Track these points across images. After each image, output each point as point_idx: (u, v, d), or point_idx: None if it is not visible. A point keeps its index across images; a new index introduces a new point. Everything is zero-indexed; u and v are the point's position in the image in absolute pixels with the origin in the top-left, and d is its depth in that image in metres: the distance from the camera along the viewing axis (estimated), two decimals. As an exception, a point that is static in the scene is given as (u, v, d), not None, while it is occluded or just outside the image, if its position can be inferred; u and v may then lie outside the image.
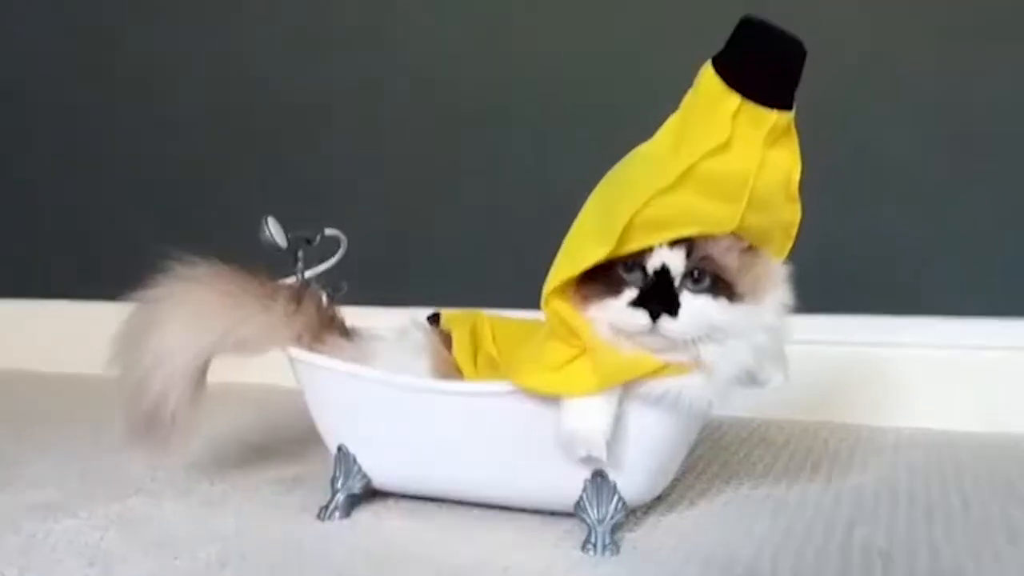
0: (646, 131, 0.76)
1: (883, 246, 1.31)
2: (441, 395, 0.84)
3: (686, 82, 0.73)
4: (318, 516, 0.88)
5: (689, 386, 0.75)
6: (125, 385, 0.88)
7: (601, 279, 0.74)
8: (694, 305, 0.72)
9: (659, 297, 0.72)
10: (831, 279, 1.24)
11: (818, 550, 0.77)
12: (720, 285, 0.73)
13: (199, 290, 0.89)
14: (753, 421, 1.25)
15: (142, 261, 0.86)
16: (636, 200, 0.70)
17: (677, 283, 0.73)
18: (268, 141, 1.68)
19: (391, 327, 0.97)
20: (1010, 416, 1.20)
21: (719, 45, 0.71)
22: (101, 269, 1.71)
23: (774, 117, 0.69)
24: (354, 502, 0.90)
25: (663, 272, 0.72)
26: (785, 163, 0.72)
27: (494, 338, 0.92)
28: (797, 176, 0.73)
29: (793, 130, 0.73)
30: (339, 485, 0.89)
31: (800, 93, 0.71)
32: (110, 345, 0.90)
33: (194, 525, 0.85)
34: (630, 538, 0.81)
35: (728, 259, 0.73)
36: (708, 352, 0.73)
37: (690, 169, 0.69)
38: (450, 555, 0.77)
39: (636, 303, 0.72)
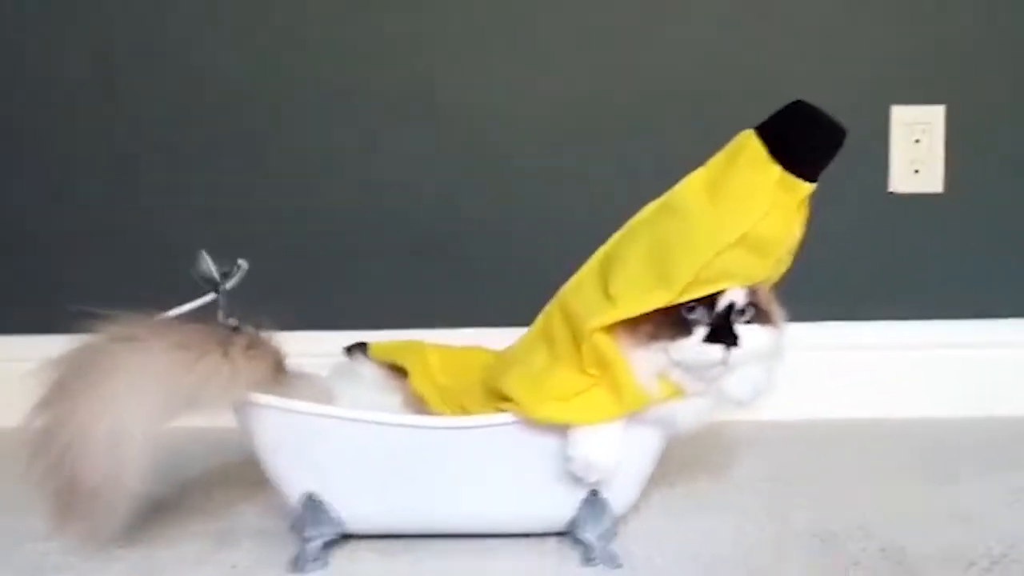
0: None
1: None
2: (442, 431, 0.83)
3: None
4: (293, 569, 0.84)
5: (682, 409, 0.82)
6: (63, 465, 0.77)
7: (660, 321, 0.78)
8: (750, 334, 0.79)
9: (726, 332, 0.78)
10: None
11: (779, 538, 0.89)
12: (761, 316, 0.81)
13: (153, 352, 0.80)
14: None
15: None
16: (699, 258, 0.76)
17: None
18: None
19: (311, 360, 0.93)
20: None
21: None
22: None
23: (807, 188, 0.78)
24: (325, 549, 0.86)
25: (729, 309, 0.79)
26: (800, 226, 0.81)
27: (443, 369, 0.93)
28: (799, 237, 0.82)
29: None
30: (310, 534, 0.85)
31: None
32: (38, 411, 0.78)
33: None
34: (620, 547, 0.86)
35: (763, 294, 0.82)
36: (728, 379, 0.81)
37: (746, 234, 0.76)
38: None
39: (710, 339, 0.78)
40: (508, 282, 1.43)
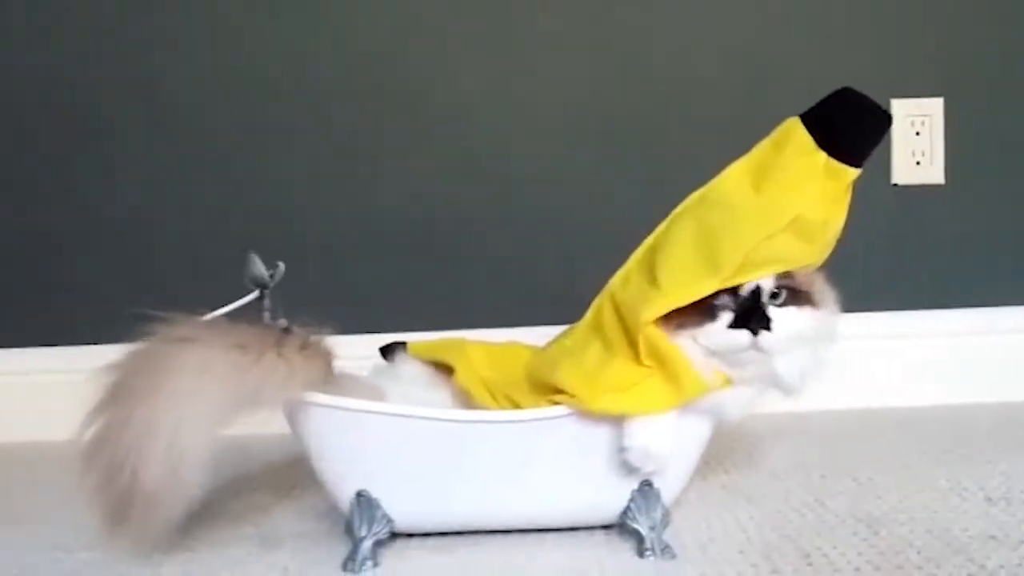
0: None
1: None
2: (497, 425, 0.83)
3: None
4: (346, 569, 0.83)
5: (731, 397, 0.83)
6: (124, 469, 0.75)
7: (688, 309, 0.79)
8: (784, 317, 0.80)
9: (755, 316, 0.79)
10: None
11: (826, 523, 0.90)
12: (800, 297, 0.81)
13: (213, 352, 0.78)
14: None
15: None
16: (746, 242, 0.77)
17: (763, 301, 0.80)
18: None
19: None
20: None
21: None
22: None
23: (853, 174, 0.79)
24: (376, 548, 0.85)
25: (756, 293, 0.79)
26: (844, 211, 0.82)
27: (486, 364, 0.93)
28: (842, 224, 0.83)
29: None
30: (363, 533, 0.84)
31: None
32: (94, 416, 0.77)
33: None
34: (671, 538, 0.86)
35: (801, 275, 0.82)
36: (778, 363, 0.81)
37: (794, 219, 0.77)
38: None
39: (734, 324, 0.79)
40: (507, 282, 1.44)
